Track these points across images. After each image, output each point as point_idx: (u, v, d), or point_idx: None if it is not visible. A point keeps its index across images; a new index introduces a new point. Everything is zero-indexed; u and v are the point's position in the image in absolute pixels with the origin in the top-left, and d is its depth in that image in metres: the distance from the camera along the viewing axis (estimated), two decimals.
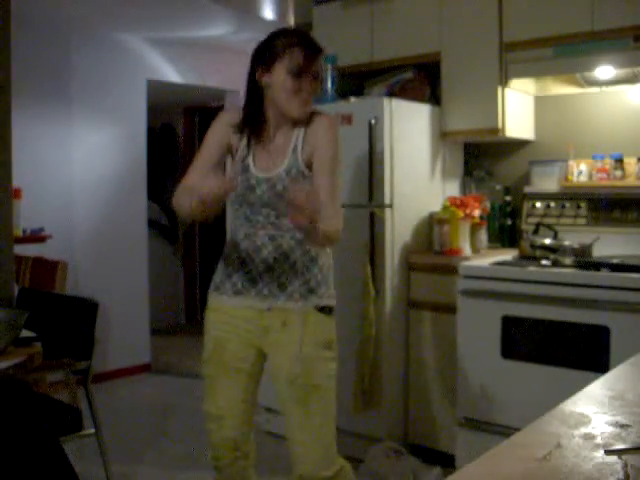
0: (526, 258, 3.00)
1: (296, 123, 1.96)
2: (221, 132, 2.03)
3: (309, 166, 1.93)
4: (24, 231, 3.98)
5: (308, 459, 1.95)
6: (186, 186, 1.94)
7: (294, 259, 1.94)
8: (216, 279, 2.06)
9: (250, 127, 1.98)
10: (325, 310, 1.97)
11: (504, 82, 3.16)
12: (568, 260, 2.80)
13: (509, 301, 2.79)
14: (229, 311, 2.01)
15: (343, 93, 3.45)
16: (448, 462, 2.98)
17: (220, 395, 2.03)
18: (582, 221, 3.17)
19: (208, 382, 2.06)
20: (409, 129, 3.23)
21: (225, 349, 2.01)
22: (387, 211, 3.10)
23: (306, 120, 1.96)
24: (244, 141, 1.99)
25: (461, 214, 3.13)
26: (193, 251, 6.75)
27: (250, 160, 1.97)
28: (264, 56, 1.93)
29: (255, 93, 1.96)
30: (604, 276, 2.59)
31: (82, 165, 4.56)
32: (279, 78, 1.89)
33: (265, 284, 1.95)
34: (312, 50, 1.90)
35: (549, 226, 3.15)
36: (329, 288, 2.00)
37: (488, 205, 3.38)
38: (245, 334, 2.00)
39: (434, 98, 3.43)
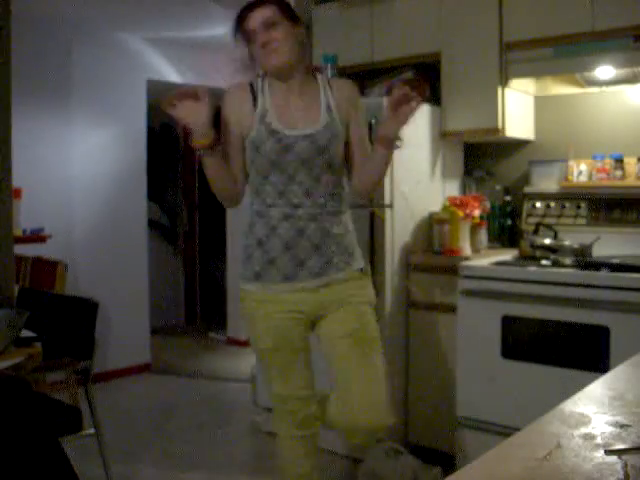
0: (526, 258, 3.00)
1: (313, 81, 2.03)
2: (232, 112, 2.03)
3: (344, 126, 2.02)
4: (24, 231, 3.98)
5: (375, 408, 2.00)
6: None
7: (334, 233, 2.02)
8: (254, 267, 2.03)
9: (260, 80, 2.03)
10: (365, 272, 2.11)
11: (504, 82, 3.16)
12: (568, 260, 2.80)
13: (509, 301, 2.79)
14: (280, 298, 2.02)
15: None
16: (448, 462, 2.98)
17: (297, 378, 2.08)
18: (582, 221, 3.17)
19: (280, 369, 2.08)
20: (409, 129, 3.21)
21: (289, 336, 2.04)
22: (387, 211, 3.10)
23: (323, 78, 2.05)
24: (259, 107, 1.99)
25: (461, 214, 3.13)
26: (193, 251, 6.75)
27: (275, 123, 1.96)
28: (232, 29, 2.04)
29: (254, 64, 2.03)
30: (604, 276, 2.59)
31: (82, 165, 4.56)
32: (249, 44, 1.98)
33: (314, 262, 2.00)
34: (248, 8, 1.96)
35: (549, 226, 3.15)
36: (358, 249, 2.13)
37: (488, 205, 3.38)
38: (302, 316, 2.04)
39: (434, 98, 3.43)
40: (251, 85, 2.04)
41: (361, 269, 2.11)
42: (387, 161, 2.04)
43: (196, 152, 1.96)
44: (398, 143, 2.00)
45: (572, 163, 3.22)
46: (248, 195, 2.14)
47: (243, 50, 2.02)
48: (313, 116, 1.98)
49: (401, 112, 1.91)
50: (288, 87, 2.01)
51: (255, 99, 2.00)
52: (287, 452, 2.16)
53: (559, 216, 3.24)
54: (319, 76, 2.07)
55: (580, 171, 3.18)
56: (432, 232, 3.29)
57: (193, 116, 1.88)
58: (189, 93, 1.89)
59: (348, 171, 2.11)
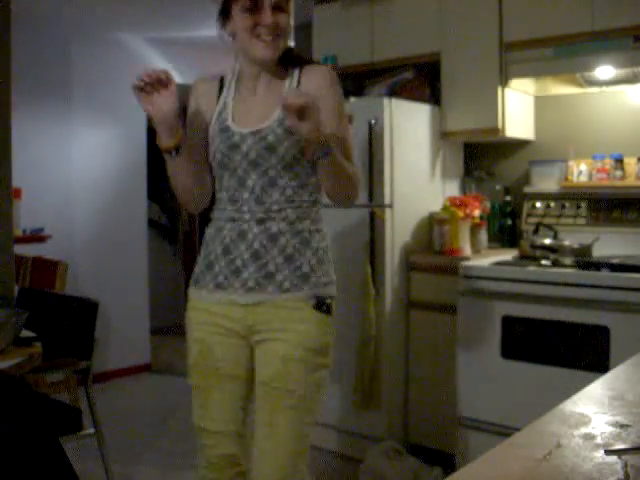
0: (526, 258, 3.00)
1: (284, 73, 1.74)
2: (197, 104, 1.81)
3: None
4: (24, 231, 3.98)
5: (264, 471, 1.68)
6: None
7: (284, 242, 1.68)
8: (196, 270, 1.80)
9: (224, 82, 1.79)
10: (322, 307, 1.69)
11: (504, 82, 3.16)
12: (568, 260, 2.80)
13: (509, 301, 2.79)
14: (210, 308, 1.74)
15: (343, 93, 3.44)
16: (448, 462, 2.98)
17: (214, 407, 1.75)
18: (582, 221, 3.17)
19: (197, 393, 1.78)
20: (409, 129, 3.23)
21: (212, 353, 1.74)
22: (387, 211, 3.10)
23: (297, 69, 1.75)
24: (221, 102, 1.77)
25: (461, 214, 3.13)
26: (193, 251, 6.74)
27: (229, 119, 1.73)
28: (223, 6, 1.71)
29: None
30: (604, 276, 2.59)
31: (82, 165, 4.56)
32: (237, 20, 1.67)
33: (250, 274, 1.68)
34: None
35: (549, 226, 3.15)
36: (326, 274, 1.73)
37: (488, 205, 3.38)
38: (232, 334, 1.73)
39: (434, 98, 3.43)
40: (221, 79, 1.83)
41: (318, 303, 1.69)
42: (330, 170, 1.66)
43: (163, 154, 1.73)
44: (322, 150, 1.60)
45: (572, 163, 3.22)
46: None
47: (222, 31, 1.75)
48: (268, 110, 1.69)
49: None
50: (256, 81, 1.76)
51: (220, 93, 1.78)
52: None
53: (559, 216, 3.24)
54: (290, 67, 1.76)
55: (580, 171, 3.18)
56: (432, 232, 3.29)
57: (161, 107, 1.63)
58: (157, 77, 1.62)
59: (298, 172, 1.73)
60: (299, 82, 1.73)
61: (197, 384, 1.78)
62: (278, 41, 1.68)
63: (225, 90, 1.79)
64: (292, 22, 1.76)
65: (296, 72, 1.75)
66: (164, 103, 1.63)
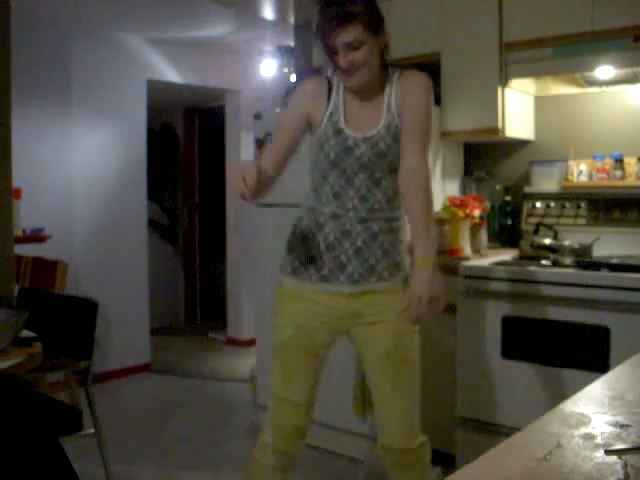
0: (526, 258, 3.00)
1: (384, 78, 1.92)
2: (302, 104, 1.96)
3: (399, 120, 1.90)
4: (24, 231, 3.98)
5: (394, 432, 1.97)
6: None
7: (382, 240, 1.91)
8: (293, 262, 1.97)
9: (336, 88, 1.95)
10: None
11: (504, 82, 3.16)
12: (568, 260, 2.80)
13: (509, 301, 2.79)
14: (313, 297, 1.94)
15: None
16: (448, 462, 2.98)
17: (297, 381, 1.98)
18: (582, 221, 3.17)
19: (283, 367, 1.99)
20: None
21: (308, 337, 1.96)
22: None
23: (397, 74, 1.93)
24: (331, 104, 1.92)
25: (461, 214, 3.13)
26: (193, 251, 6.75)
27: (342, 122, 1.90)
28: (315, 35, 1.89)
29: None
30: (604, 276, 2.59)
31: (82, 165, 4.56)
32: (330, 56, 1.85)
33: (355, 268, 1.90)
34: (334, 22, 1.77)
35: (549, 226, 3.15)
36: (406, 260, 1.98)
37: (488, 205, 3.38)
38: (331, 320, 1.95)
39: (434, 98, 3.42)
40: (328, 81, 1.97)
41: (406, 279, 1.95)
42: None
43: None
44: None
45: (572, 163, 3.22)
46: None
47: (322, 54, 1.95)
48: (376, 116, 1.89)
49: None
50: (359, 92, 1.93)
51: (329, 96, 1.94)
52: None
53: (559, 216, 3.24)
54: (391, 72, 1.93)
55: (580, 171, 3.18)
56: None
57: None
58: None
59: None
60: (399, 90, 1.90)
61: (285, 359, 1.99)
62: (358, 74, 1.84)
63: (334, 93, 1.94)
64: (380, 44, 1.88)
65: (395, 77, 1.93)
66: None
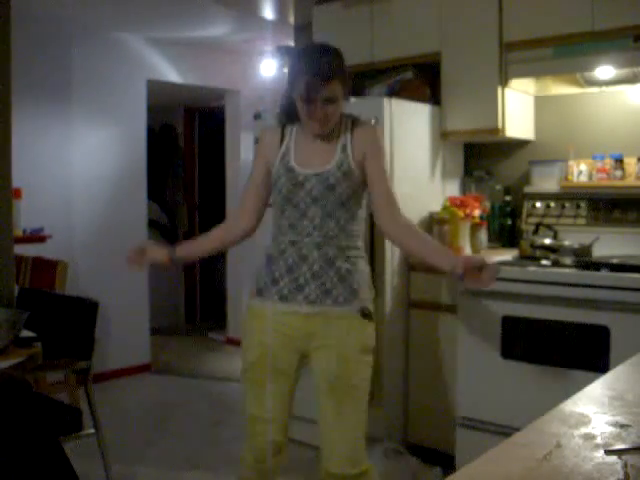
0: (526, 258, 3.00)
1: (338, 125, 2.07)
2: (262, 153, 2.16)
3: (357, 167, 2.04)
4: (24, 231, 3.98)
5: (336, 456, 2.02)
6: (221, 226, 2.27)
7: (338, 266, 2.02)
8: (259, 284, 2.11)
9: (291, 124, 2.11)
10: (367, 316, 2.05)
11: (504, 82, 3.16)
12: (568, 260, 2.80)
13: (509, 301, 2.79)
14: (274, 317, 2.06)
15: None
16: (448, 462, 2.98)
17: (268, 399, 2.08)
18: (582, 221, 3.17)
19: (254, 387, 2.10)
20: (409, 129, 3.23)
21: (272, 354, 2.06)
22: None
23: (349, 123, 2.08)
24: (283, 147, 2.10)
25: (461, 214, 3.13)
26: None
27: (292, 161, 2.06)
28: (288, 76, 2.04)
29: (292, 101, 2.05)
30: (604, 276, 2.59)
31: (82, 165, 4.56)
32: (296, 100, 2.00)
33: (312, 290, 2.02)
34: (318, 78, 1.93)
35: (549, 226, 3.15)
36: (367, 292, 2.09)
37: (488, 205, 3.38)
38: (290, 340, 2.06)
39: (434, 98, 3.43)
40: (283, 127, 2.14)
41: (363, 311, 2.05)
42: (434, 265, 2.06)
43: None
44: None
45: (572, 163, 3.22)
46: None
47: (284, 95, 2.08)
48: (328, 155, 2.05)
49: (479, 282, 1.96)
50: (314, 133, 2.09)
51: (282, 139, 2.11)
52: None
53: (559, 216, 3.24)
54: (343, 119, 2.09)
55: (580, 171, 3.18)
56: (432, 232, 3.29)
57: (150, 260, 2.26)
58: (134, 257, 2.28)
59: (373, 211, 2.12)
60: (352, 137, 2.07)
61: (256, 379, 2.09)
62: (329, 124, 2.02)
63: (287, 138, 2.11)
64: (344, 97, 2.03)
65: (348, 126, 2.09)
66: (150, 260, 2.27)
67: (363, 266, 2.10)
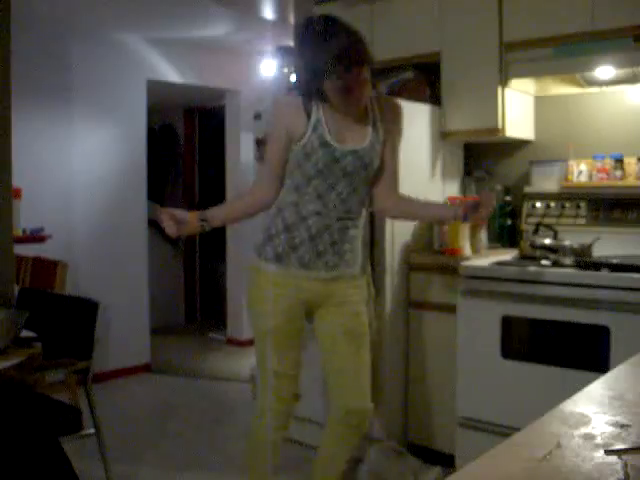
0: (526, 258, 3.00)
1: (365, 105, 2.16)
2: (284, 121, 2.17)
3: (382, 145, 2.21)
4: (24, 231, 3.98)
5: (358, 393, 2.27)
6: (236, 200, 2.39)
7: (351, 235, 2.22)
8: (277, 250, 2.19)
9: (322, 102, 2.12)
10: (365, 270, 2.34)
11: (504, 82, 3.16)
12: (568, 260, 2.80)
13: (509, 301, 2.79)
14: (296, 283, 2.19)
15: None
16: (448, 462, 2.98)
17: (291, 357, 2.27)
18: (582, 221, 3.17)
19: (279, 348, 2.25)
20: (409, 129, 3.22)
21: (294, 320, 2.24)
22: None
23: (374, 102, 2.20)
24: (313, 119, 2.11)
25: None
26: (193, 251, 6.74)
27: (327, 135, 2.11)
28: (313, 65, 2.01)
29: (311, 79, 2.05)
30: (604, 276, 2.59)
31: (82, 165, 4.56)
32: (328, 90, 2.04)
33: (330, 256, 2.18)
34: (353, 66, 2.00)
35: (549, 226, 3.15)
36: (363, 247, 2.34)
37: None
38: (307, 302, 2.23)
39: (434, 98, 3.43)
40: (302, 99, 2.16)
41: (363, 268, 2.31)
42: (435, 222, 2.38)
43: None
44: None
45: (572, 163, 3.22)
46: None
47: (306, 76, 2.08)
48: (361, 132, 2.15)
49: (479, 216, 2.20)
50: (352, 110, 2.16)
51: (307, 110, 2.13)
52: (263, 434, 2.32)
53: (559, 216, 3.24)
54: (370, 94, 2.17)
55: (580, 171, 3.18)
56: (432, 232, 3.29)
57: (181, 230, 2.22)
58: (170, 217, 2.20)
59: (377, 185, 2.28)
60: (381, 113, 2.21)
61: (281, 342, 2.25)
62: (362, 101, 2.12)
63: (315, 110, 2.13)
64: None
65: (374, 102, 2.21)
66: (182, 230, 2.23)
67: (363, 237, 2.32)
